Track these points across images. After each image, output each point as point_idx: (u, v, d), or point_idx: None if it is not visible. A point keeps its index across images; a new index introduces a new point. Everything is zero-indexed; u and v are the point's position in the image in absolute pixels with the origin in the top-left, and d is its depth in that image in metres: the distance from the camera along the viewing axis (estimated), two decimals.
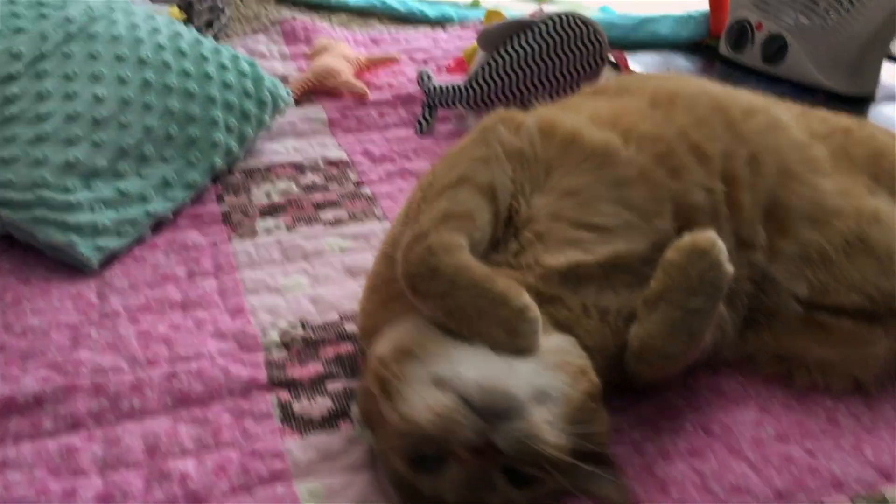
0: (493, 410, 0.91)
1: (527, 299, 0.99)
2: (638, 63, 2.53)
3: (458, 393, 0.92)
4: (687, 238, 1.03)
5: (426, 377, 0.96)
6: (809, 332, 1.20)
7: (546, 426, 0.93)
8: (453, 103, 2.01)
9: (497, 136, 1.17)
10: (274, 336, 1.32)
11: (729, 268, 1.02)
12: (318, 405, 1.20)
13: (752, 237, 1.19)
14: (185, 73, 1.71)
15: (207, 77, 1.74)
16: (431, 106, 2.02)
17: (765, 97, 1.40)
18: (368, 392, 1.02)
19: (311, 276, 1.49)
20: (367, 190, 1.76)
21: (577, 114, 1.23)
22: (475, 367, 0.95)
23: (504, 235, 1.12)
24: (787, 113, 1.34)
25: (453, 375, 0.94)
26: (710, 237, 1.02)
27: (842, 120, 1.40)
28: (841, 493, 1.06)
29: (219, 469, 1.09)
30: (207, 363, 1.26)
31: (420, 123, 2.01)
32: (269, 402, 1.21)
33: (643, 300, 1.04)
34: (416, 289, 1.02)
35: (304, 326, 1.35)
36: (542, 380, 0.96)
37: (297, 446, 1.13)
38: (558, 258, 1.09)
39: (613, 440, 1.08)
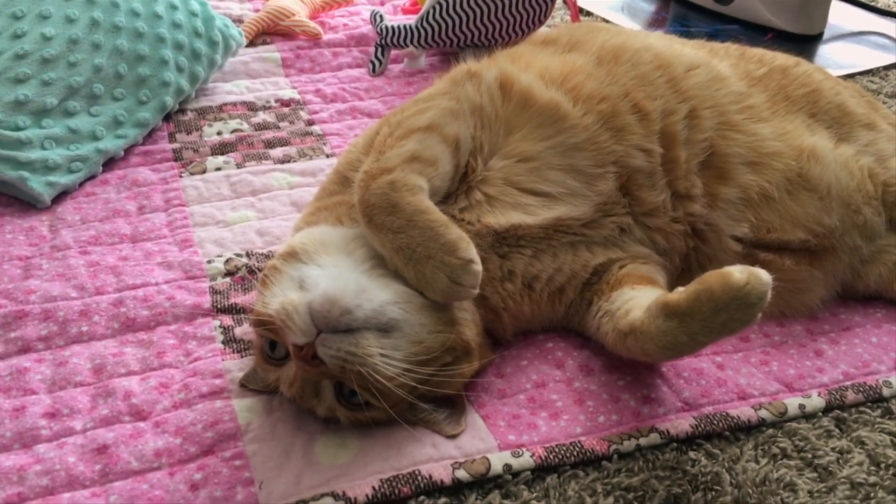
0: (326, 319, 0.96)
1: (475, 253, 1.03)
2: (598, 4, 2.56)
3: (308, 296, 0.99)
4: (741, 275, 0.95)
5: (296, 277, 1.04)
6: None
7: (378, 355, 0.97)
8: (406, 43, 2.03)
9: (464, 92, 1.21)
10: (219, 265, 1.37)
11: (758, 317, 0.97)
12: None
13: (689, 189, 1.23)
14: (134, 13, 1.73)
15: (156, 17, 1.76)
16: (384, 46, 2.05)
17: (707, 45, 1.45)
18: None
19: (259, 210, 1.53)
20: (317, 128, 1.80)
21: (529, 70, 1.28)
22: (335, 278, 1.01)
23: (455, 190, 1.16)
24: (726, 60, 1.39)
25: (311, 281, 1.01)
26: (759, 285, 0.95)
27: (778, 58, 1.45)
28: (745, 403, 1.14)
29: (161, 386, 1.15)
30: (154, 291, 1.32)
31: (373, 63, 2.04)
32: (211, 326, 1.26)
33: (664, 302, 1.00)
34: (371, 219, 1.05)
35: (249, 256, 1.40)
36: (396, 313, 1.01)
37: (236, 366, 1.19)
38: (500, 219, 1.14)
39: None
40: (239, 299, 1.31)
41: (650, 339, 1.02)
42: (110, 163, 1.65)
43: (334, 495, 0.99)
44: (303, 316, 0.97)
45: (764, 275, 0.94)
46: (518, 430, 1.09)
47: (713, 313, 0.95)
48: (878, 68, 2.18)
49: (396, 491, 1.00)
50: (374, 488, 1.00)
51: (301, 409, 1.09)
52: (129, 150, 1.69)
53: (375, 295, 1.01)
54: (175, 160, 1.67)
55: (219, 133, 1.76)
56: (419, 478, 1.02)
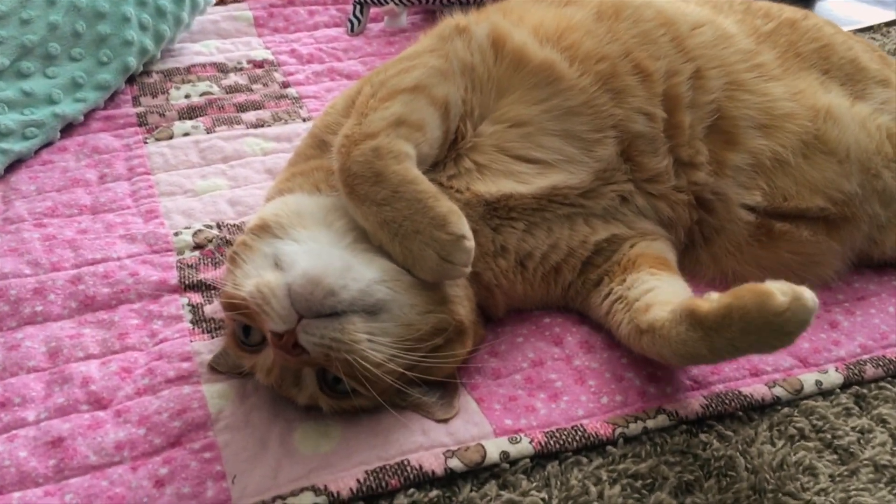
0: (308, 303, 0.87)
1: (467, 228, 0.94)
2: None
3: (286, 276, 0.89)
4: (783, 298, 0.84)
5: (269, 254, 0.94)
6: (759, 245, 1.16)
7: (366, 340, 0.89)
8: (385, 1, 1.92)
9: (453, 49, 1.11)
10: (187, 238, 1.27)
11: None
12: None
13: (693, 156, 1.13)
14: None
15: None
16: (363, 3, 1.93)
17: (710, 0, 1.35)
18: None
19: (230, 178, 1.43)
20: (292, 91, 1.69)
21: (522, 25, 1.17)
22: (316, 256, 0.92)
23: (444, 158, 1.07)
24: (731, 16, 1.29)
25: (288, 259, 0.92)
26: (801, 312, 0.84)
27: (785, 10, 1.35)
28: (758, 380, 1.05)
29: (124, 371, 1.05)
30: (116, 266, 1.21)
31: (351, 22, 1.93)
32: (179, 304, 1.16)
33: (691, 310, 0.90)
34: (353, 189, 0.96)
35: (219, 227, 1.30)
36: (384, 293, 0.92)
37: (206, 348, 1.09)
38: (490, 188, 1.05)
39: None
40: (209, 275, 1.21)
41: (668, 345, 0.94)
42: (69, 129, 1.54)
43: (315, 489, 0.90)
44: (281, 300, 0.87)
45: (810, 299, 0.84)
46: (515, 414, 1.00)
47: (742, 334, 0.86)
48: (879, 25, 2.09)
49: (384, 483, 0.91)
50: (359, 481, 0.91)
51: (279, 396, 1.00)
52: (89, 115, 1.57)
53: (361, 273, 0.91)
54: (139, 125, 1.56)
55: (187, 96, 1.64)
56: (408, 468, 0.93)
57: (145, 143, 1.50)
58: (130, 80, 1.67)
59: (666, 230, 1.15)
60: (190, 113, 1.59)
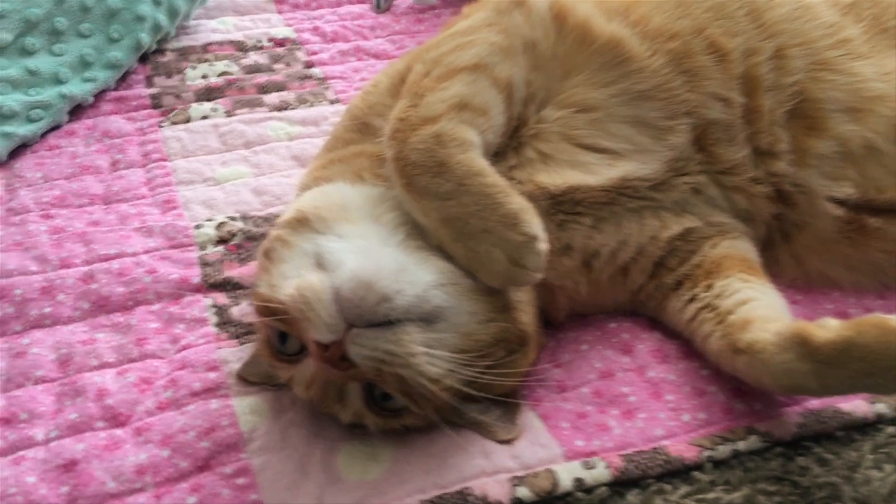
0: (359, 310, 0.76)
1: (541, 228, 0.83)
2: None
3: (332, 278, 0.78)
4: None
5: (310, 252, 0.83)
6: (848, 243, 1.04)
7: (422, 353, 0.78)
8: None
9: (512, 24, 0.99)
10: (209, 231, 1.15)
11: None
12: None
13: (773, 144, 1.01)
14: None
15: None
16: None
17: None
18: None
19: (253, 165, 1.31)
20: (317, 71, 1.56)
21: None
22: (366, 254, 0.81)
23: (504, 147, 0.96)
24: None
25: (334, 257, 0.81)
26: None
27: None
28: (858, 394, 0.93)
29: (143, 383, 0.94)
30: (132, 263, 1.09)
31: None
32: (203, 305, 1.04)
33: (802, 339, 0.81)
34: (411, 181, 0.84)
35: (244, 220, 1.18)
36: (442, 299, 0.81)
37: (234, 356, 0.97)
38: (555, 179, 0.94)
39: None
40: (235, 272, 1.09)
41: (769, 372, 0.84)
42: (77, 111, 1.42)
43: None
44: (328, 306, 0.77)
45: None
46: (586, 434, 0.89)
47: (862, 375, 0.77)
48: None
49: None
50: None
51: (319, 412, 0.89)
52: (99, 97, 1.45)
53: (417, 275, 0.80)
54: (154, 107, 1.44)
55: (204, 76, 1.52)
56: (471, 498, 0.81)
57: (160, 126, 1.38)
58: (143, 58, 1.56)
59: (744, 224, 1.03)
60: (208, 94, 1.47)
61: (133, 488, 0.83)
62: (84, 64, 1.43)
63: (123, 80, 1.50)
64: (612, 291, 1.01)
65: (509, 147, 0.95)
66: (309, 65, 1.59)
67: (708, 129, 1.00)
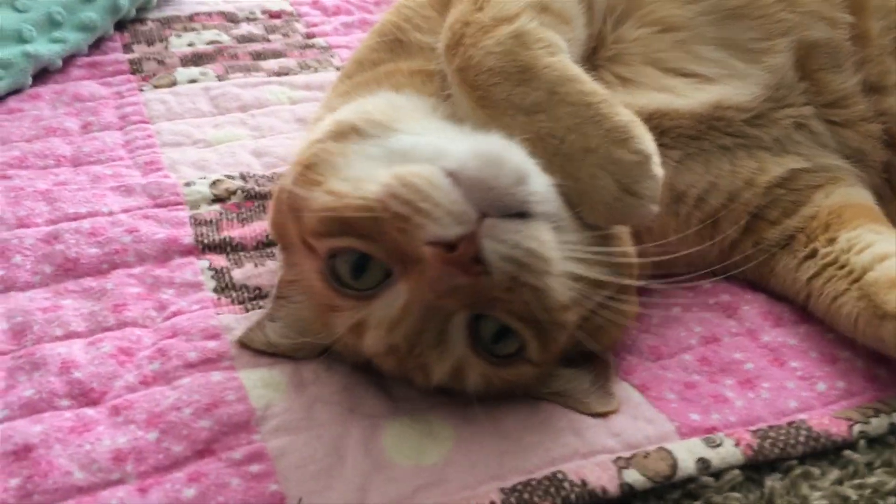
0: (493, 192, 0.58)
1: (654, 145, 0.66)
2: None
3: (441, 163, 0.60)
4: None
5: (377, 155, 0.65)
6: None
7: (559, 259, 0.61)
8: None
9: None
10: (202, 189, 0.95)
11: None
12: (269, 273, 0.84)
13: (882, 77, 0.86)
14: None
15: None
16: None
17: None
18: (284, 194, 0.70)
19: (252, 128, 1.12)
20: (320, 41, 1.38)
21: None
22: (473, 140, 0.64)
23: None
24: None
25: (429, 147, 0.63)
26: None
27: None
28: None
29: (122, 354, 0.73)
30: (107, 222, 0.89)
31: None
32: (196, 268, 0.84)
33: None
34: (487, 94, 0.67)
35: (244, 179, 0.98)
36: (560, 207, 0.64)
37: (239, 323, 0.77)
38: (640, 101, 0.78)
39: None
40: (236, 232, 0.89)
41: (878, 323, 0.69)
42: (43, 75, 1.22)
43: None
44: (450, 191, 0.58)
45: None
46: (700, 406, 0.69)
47: None
48: None
49: None
50: None
51: (351, 384, 0.68)
52: (68, 62, 1.25)
53: (535, 171, 0.62)
54: (132, 73, 1.24)
55: (190, 44, 1.34)
56: (566, 484, 0.61)
57: (141, 91, 1.19)
58: (120, 26, 1.36)
59: (858, 168, 0.86)
60: (195, 61, 1.28)
61: (108, 480, 0.61)
62: (52, 23, 1.23)
63: (97, 46, 1.31)
64: (698, 243, 0.83)
65: (584, 68, 0.78)
66: (310, 35, 1.41)
67: (811, 51, 0.85)
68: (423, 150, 0.62)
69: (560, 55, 0.68)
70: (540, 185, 0.61)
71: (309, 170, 0.66)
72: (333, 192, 0.62)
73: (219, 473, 0.61)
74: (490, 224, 0.57)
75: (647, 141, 0.65)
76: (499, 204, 0.58)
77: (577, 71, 0.68)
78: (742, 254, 0.83)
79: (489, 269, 0.57)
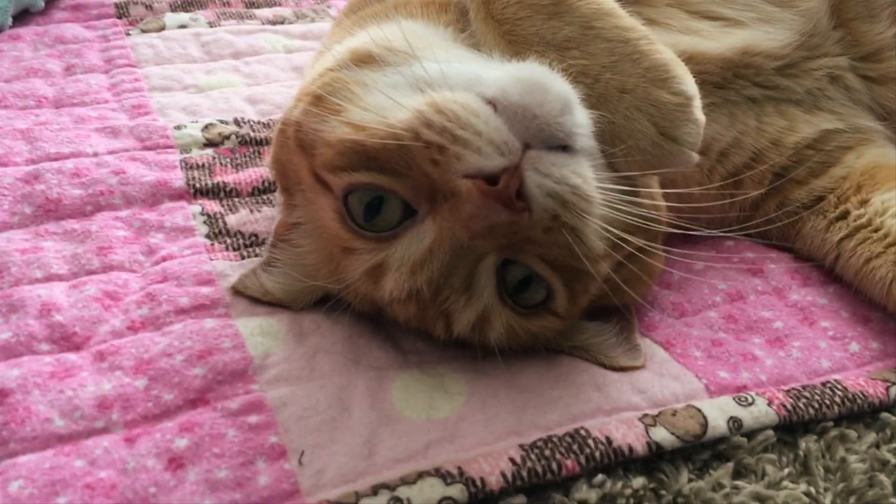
0: (539, 121, 0.53)
1: (695, 87, 0.60)
2: None
3: (480, 88, 0.55)
4: None
5: (404, 82, 0.59)
6: None
7: (601, 202, 0.56)
8: None
9: None
10: (194, 133, 0.89)
11: None
12: (265, 219, 0.78)
13: None
14: None
15: None
16: None
17: None
18: (290, 128, 0.63)
19: (246, 75, 1.06)
20: None
21: None
22: (507, 69, 0.59)
23: None
24: None
25: (465, 73, 0.58)
26: None
27: None
28: None
29: (108, 297, 0.67)
30: (91, 163, 0.83)
31: None
32: (187, 213, 0.78)
33: None
34: (516, 28, 0.62)
35: (238, 124, 0.92)
36: (596, 149, 0.59)
37: (234, 270, 0.71)
38: (666, 43, 0.72)
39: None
40: (230, 177, 0.83)
41: None
42: (24, 17, 1.16)
43: (442, 474, 0.53)
44: (491, 119, 0.53)
45: None
46: (730, 364, 0.65)
47: None
48: None
49: (553, 466, 0.55)
50: (513, 461, 0.55)
51: (356, 333, 0.64)
52: (51, 4, 1.20)
53: (578, 103, 0.57)
54: (118, 17, 1.18)
55: None
56: (589, 442, 0.56)
57: (128, 35, 1.13)
58: None
59: (889, 130, 0.82)
60: (185, 6, 1.22)
61: (92, 428, 0.56)
62: None
63: None
64: (720, 201, 0.79)
65: None
66: None
67: (843, 0, 0.80)
68: (456, 76, 0.57)
69: None
70: (583, 116, 0.56)
71: (321, 100, 0.60)
72: (353, 123, 0.57)
73: (213, 423, 0.56)
74: (535, 156, 0.53)
75: (688, 81, 0.60)
76: (544, 134, 0.53)
77: (613, 5, 0.63)
78: (765, 215, 0.79)
79: (531, 206, 0.52)
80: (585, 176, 0.54)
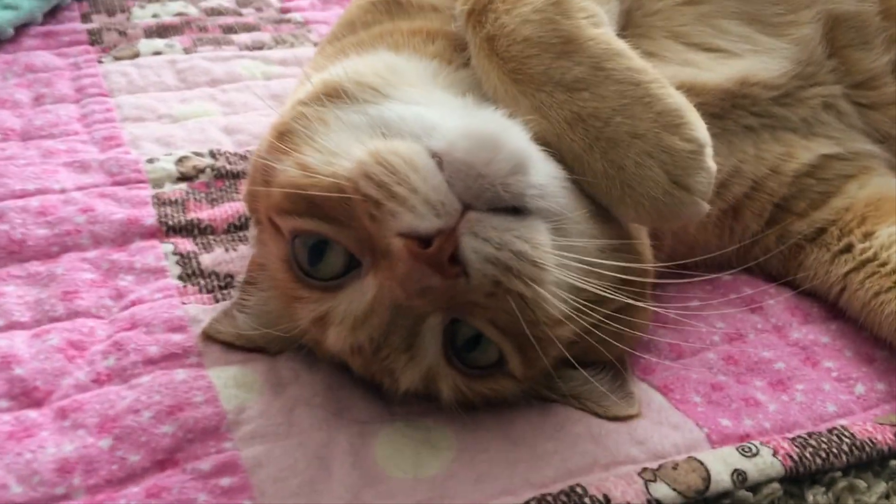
0: (484, 180, 0.50)
1: (708, 134, 0.58)
2: None
3: (427, 142, 0.52)
4: None
5: (363, 124, 0.56)
6: None
7: (555, 266, 0.52)
8: None
9: None
10: (167, 166, 0.86)
11: None
12: (241, 258, 0.75)
13: None
14: None
15: None
16: None
17: None
18: (260, 162, 0.61)
19: (223, 104, 1.02)
20: (296, 16, 1.29)
21: None
22: (468, 115, 0.57)
23: None
24: None
25: (420, 121, 0.55)
26: None
27: None
28: None
29: (72, 347, 0.64)
30: (58, 200, 0.79)
31: None
32: (159, 252, 0.75)
33: None
34: (522, 66, 0.59)
35: (214, 156, 0.89)
36: (566, 204, 0.55)
37: (207, 314, 0.67)
38: (665, 73, 0.70)
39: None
40: (205, 213, 0.80)
41: None
42: None
43: None
44: (431, 175, 0.50)
45: None
46: (732, 411, 0.62)
47: None
48: None
49: None
50: None
51: (337, 384, 0.60)
52: (21, 31, 1.16)
53: (539, 159, 0.54)
54: (91, 43, 1.15)
55: (155, 16, 1.24)
56: (586, 501, 0.53)
57: (100, 62, 1.09)
58: None
59: (891, 155, 0.80)
60: (160, 32, 1.18)
61: (51, 494, 0.52)
62: None
63: (53, 15, 1.21)
64: (717, 235, 0.76)
65: None
66: (285, 10, 1.32)
67: (838, 25, 0.78)
68: (411, 123, 0.54)
69: (604, 27, 0.61)
70: (542, 176, 0.53)
71: (283, 136, 0.57)
72: (303, 165, 0.54)
73: (183, 488, 0.53)
74: (474, 218, 0.49)
75: (701, 128, 0.57)
76: (487, 195, 0.50)
77: (624, 46, 0.60)
78: (766, 250, 0.76)
79: (468, 271, 0.49)
80: (535, 241, 0.51)
